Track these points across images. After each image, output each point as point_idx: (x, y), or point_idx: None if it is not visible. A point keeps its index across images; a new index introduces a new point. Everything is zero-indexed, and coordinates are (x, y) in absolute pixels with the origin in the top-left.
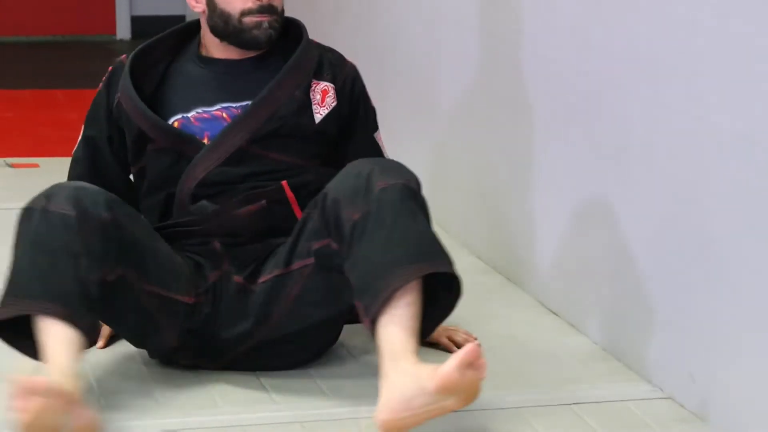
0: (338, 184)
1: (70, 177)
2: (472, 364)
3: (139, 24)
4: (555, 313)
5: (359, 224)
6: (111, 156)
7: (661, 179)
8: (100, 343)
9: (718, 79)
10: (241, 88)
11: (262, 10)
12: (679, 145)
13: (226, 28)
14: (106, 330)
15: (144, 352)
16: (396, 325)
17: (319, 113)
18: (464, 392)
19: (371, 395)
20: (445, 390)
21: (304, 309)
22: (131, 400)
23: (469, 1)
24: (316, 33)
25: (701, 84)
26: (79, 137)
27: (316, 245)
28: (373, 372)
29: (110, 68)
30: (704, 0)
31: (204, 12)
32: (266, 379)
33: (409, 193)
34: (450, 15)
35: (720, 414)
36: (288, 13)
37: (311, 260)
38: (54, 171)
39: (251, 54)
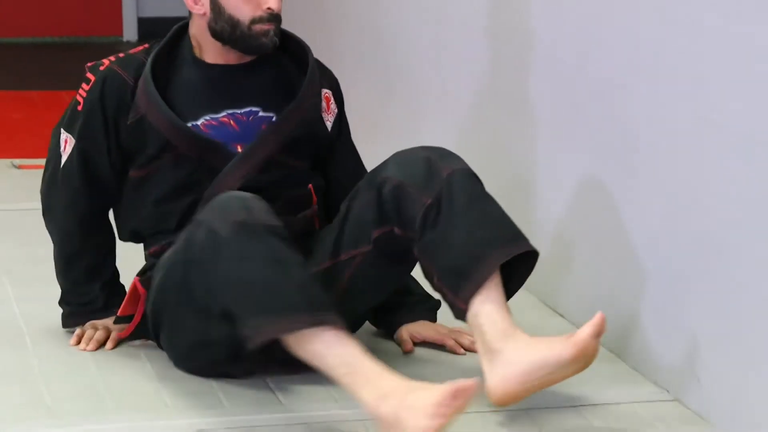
0: (398, 172)
1: (64, 191)
2: (600, 333)
3: (146, 25)
4: (561, 315)
5: (432, 208)
6: (108, 168)
7: (665, 180)
8: (110, 345)
9: (722, 79)
10: (241, 94)
11: (271, 18)
12: (683, 146)
13: (232, 33)
14: (115, 333)
15: (150, 351)
16: (495, 304)
17: (329, 120)
18: (589, 359)
19: None
20: (580, 358)
21: (353, 298)
22: (139, 402)
23: (473, 2)
24: (321, 35)
25: (705, 84)
26: (66, 147)
27: (376, 233)
28: None
29: (92, 76)
30: (708, 1)
31: (205, 14)
32: (272, 380)
33: (474, 177)
34: (455, 16)
35: (726, 416)
36: (292, 14)
37: (366, 248)
38: None
39: (246, 59)
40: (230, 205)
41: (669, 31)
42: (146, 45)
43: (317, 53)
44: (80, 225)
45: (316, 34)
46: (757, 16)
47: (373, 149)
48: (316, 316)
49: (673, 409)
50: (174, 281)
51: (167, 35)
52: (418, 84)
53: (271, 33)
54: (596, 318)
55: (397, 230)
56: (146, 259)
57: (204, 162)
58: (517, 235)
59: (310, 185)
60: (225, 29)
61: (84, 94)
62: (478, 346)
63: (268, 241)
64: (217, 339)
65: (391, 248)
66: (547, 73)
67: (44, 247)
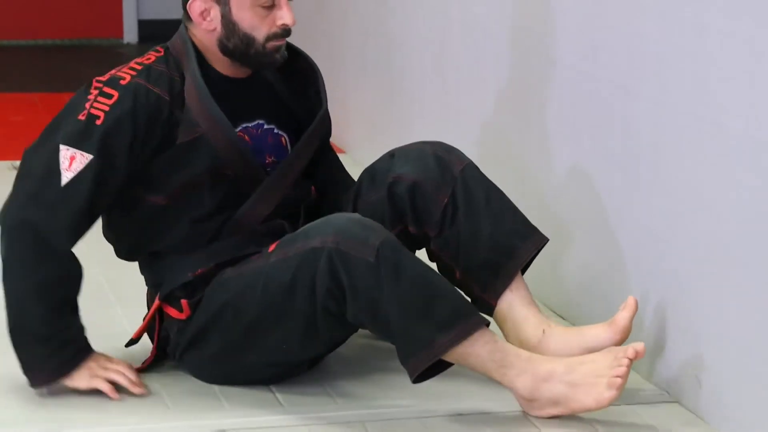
0: (411, 170)
1: (64, 212)
2: (634, 315)
3: (147, 28)
4: (561, 317)
5: (449, 206)
6: (115, 189)
7: (668, 182)
8: (140, 389)
9: (725, 80)
10: (249, 107)
11: (284, 34)
12: (685, 147)
13: (246, 51)
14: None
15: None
16: (524, 298)
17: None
18: (625, 340)
19: (378, 397)
20: (622, 341)
21: None
22: (139, 404)
23: (476, 6)
24: (323, 38)
25: (708, 85)
26: (72, 165)
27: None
28: (379, 375)
29: (113, 91)
30: (711, 2)
31: (215, 30)
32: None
33: (480, 171)
34: (458, 19)
35: (727, 418)
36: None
37: None
38: None
39: (248, 72)
40: (353, 228)
41: (672, 32)
42: (153, 54)
43: (320, 56)
44: (72, 249)
45: (319, 37)
46: (763, 18)
47: (375, 151)
48: (479, 317)
49: (674, 411)
50: (269, 304)
51: (180, 45)
52: (421, 86)
53: (283, 48)
54: (630, 302)
55: (411, 228)
56: (163, 278)
57: (240, 180)
58: (532, 226)
59: (312, 188)
60: (238, 47)
61: (105, 109)
62: (512, 340)
63: (409, 255)
64: (300, 358)
65: (408, 245)
66: (550, 75)
67: None
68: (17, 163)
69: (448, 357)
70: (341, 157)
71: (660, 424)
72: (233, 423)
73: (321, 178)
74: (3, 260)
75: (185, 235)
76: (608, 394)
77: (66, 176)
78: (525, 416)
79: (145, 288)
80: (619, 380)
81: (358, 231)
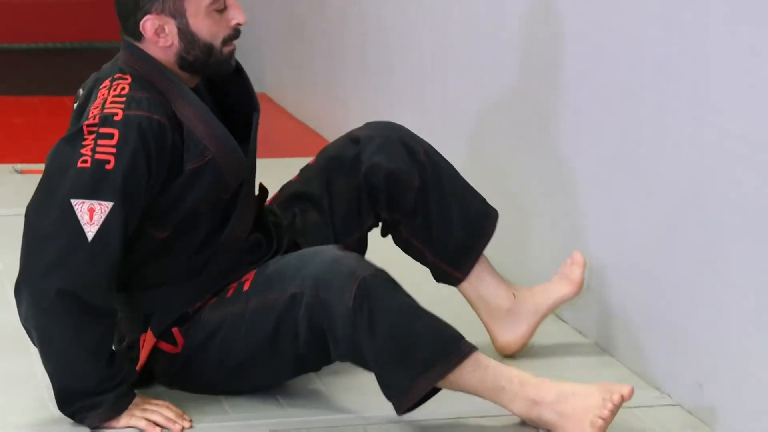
0: (384, 158)
1: (101, 267)
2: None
3: None
4: (563, 320)
5: (420, 191)
6: (133, 228)
7: (668, 184)
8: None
9: (726, 85)
10: None
11: (237, 35)
12: (685, 151)
13: (207, 59)
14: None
15: None
16: (489, 273)
17: None
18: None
19: (379, 402)
20: (580, 287)
21: None
22: None
23: (478, 9)
24: (323, 39)
25: (709, 90)
26: (93, 217)
27: (368, 221)
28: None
29: (113, 130)
30: (712, 6)
31: (172, 46)
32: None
33: (439, 154)
34: (459, 22)
35: (728, 422)
36: (294, 20)
37: (357, 236)
38: None
39: (195, 83)
40: (330, 273)
41: (673, 36)
42: (121, 83)
43: (320, 56)
44: (111, 297)
45: (319, 38)
46: (763, 21)
47: None
48: (462, 347)
49: (676, 415)
50: (255, 349)
51: (146, 66)
52: (422, 87)
53: (233, 51)
54: (578, 257)
55: (383, 214)
56: (153, 310)
57: (229, 200)
58: (489, 204)
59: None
60: (199, 57)
61: (112, 150)
62: (483, 310)
63: (389, 293)
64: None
65: (371, 230)
66: (551, 78)
67: None
68: (19, 166)
69: (438, 385)
70: None
71: (662, 427)
72: (234, 426)
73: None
74: (41, 332)
75: (182, 266)
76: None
77: (90, 231)
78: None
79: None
80: (601, 422)
81: (335, 276)
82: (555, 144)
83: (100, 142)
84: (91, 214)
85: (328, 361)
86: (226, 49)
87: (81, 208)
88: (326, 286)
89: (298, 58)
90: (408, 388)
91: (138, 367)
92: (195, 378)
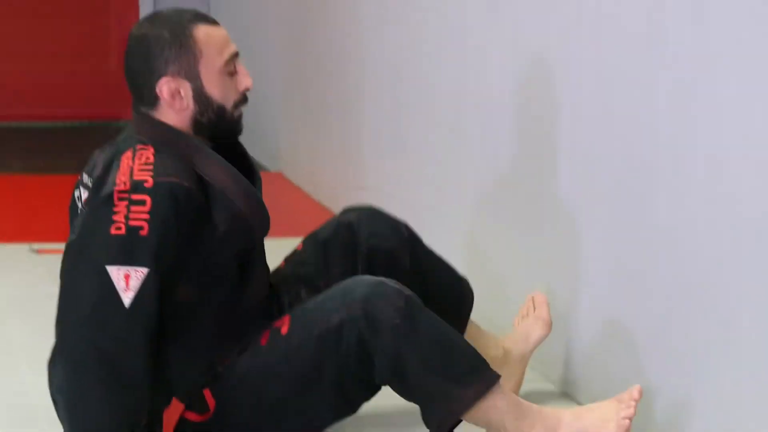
0: (378, 241)
1: (136, 333)
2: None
3: None
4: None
5: (411, 268)
6: (165, 293)
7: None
8: None
9: (740, 121)
10: None
11: (245, 99)
12: (698, 185)
13: (219, 122)
14: None
15: None
16: (481, 331)
17: None
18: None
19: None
20: (550, 326)
21: None
22: None
23: (493, 48)
24: (339, 116)
25: (723, 127)
26: (129, 283)
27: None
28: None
29: (145, 196)
30: (725, 85)
31: (187, 108)
32: None
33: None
34: (475, 60)
35: None
36: (311, 99)
37: None
38: None
39: None
40: (377, 292)
41: (689, 76)
42: (145, 152)
43: (335, 137)
44: (148, 366)
45: (334, 116)
46: None
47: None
48: (493, 371)
49: None
50: (296, 384)
51: (164, 134)
52: (439, 164)
53: (242, 116)
54: (540, 297)
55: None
56: (172, 373)
57: (247, 263)
58: (457, 274)
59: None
60: (212, 120)
61: (145, 217)
62: None
63: (429, 313)
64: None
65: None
66: (564, 125)
67: None
68: (36, 245)
69: (471, 413)
70: None
71: None
72: None
73: None
74: (72, 398)
75: (206, 326)
76: None
77: (127, 297)
78: None
79: None
80: (627, 422)
81: (383, 294)
82: (572, 179)
83: (133, 208)
84: (127, 281)
85: (368, 391)
86: (237, 112)
87: (117, 274)
88: (376, 304)
89: (313, 137)
90: (453, 398)
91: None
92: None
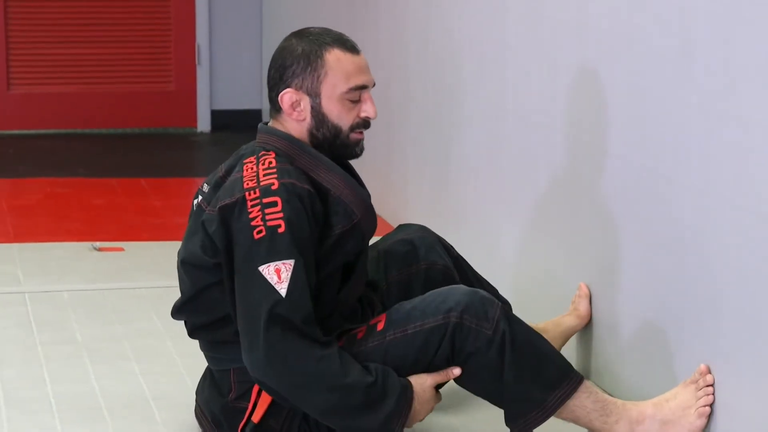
0: (436, 256)
1: (302, 309)
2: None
3: (219, 117)
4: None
5: (462, 279)
6: (313, 280)
7: (712, 267)
8: None
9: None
10: None
11: (366, 125)
12: (728, 234)
13: (334, 141)
14: None
15: None
16: None
17: None
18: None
19: None
20: (588, 319)
21: None
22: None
23: (530, 98)
24: (387, 126)
25: (748, 176)
26: (280, 277)
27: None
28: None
29: (276, 198)
30: (752, 101)
31: (305, 120)
32: None
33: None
34: (511, 110)
35: None
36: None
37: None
38: (137, 255)
39: None
40: (474, 302)
41: (715, 125)
42: (269, 158)
43: (380, 144)
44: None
45: (379, 128)
46: None
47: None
48: (578, 372)
49: None
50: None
51: (287, 144)
52: (476, 174)
53: (362, 141)
54: (584, 289)
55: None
56: None
57: (358, 259)
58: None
59: None
60: (327, 137)
61: (279, 215)
62: None
63: (520, 323)
64: None
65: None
66: (600, 164)
67: (123, 325)
68: (97, 244)
69: (557, 412)
70: None
71: None
72: None
73: None
74: (303, 381)
75: (318, 320)
76: (699, 423)
77: (282, 288)
78: None
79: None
80: (708, 409)
81: (478, 305)
82: (602, 230)
83: (267, 210)
84: (279, 274)
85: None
86: (354, 136)
87: (269, 271)
88: (471, 313)
89: None
90: (540, 402)
91: (257, 419)
92: (316, 425)
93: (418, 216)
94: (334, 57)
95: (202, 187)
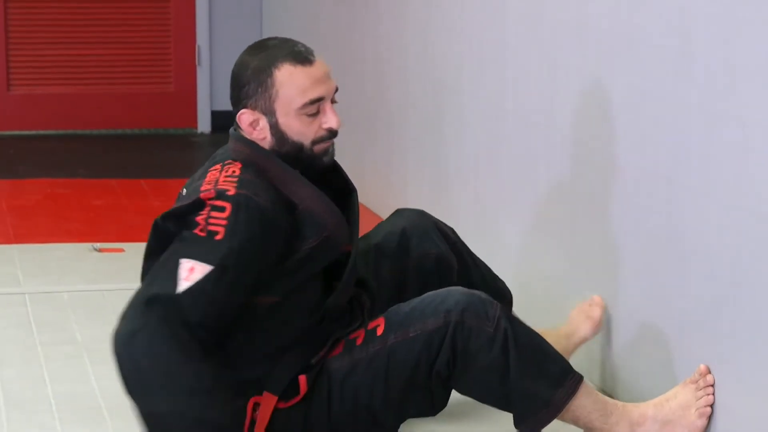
0: (430, 246)
1: (189, 313)
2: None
3: (219, 118)
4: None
5: (460, 269)
6: (242, 298)
7: (712, 268)
8: None
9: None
10: None
11: (331, 136)
12: (727, 234)
13: (298, 155)
14: None
15: None
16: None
17: None
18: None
19: None
20: (600, 326)
21: None
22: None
23: (529, 99)
24: (385, 128)
25: (748, 177)
26: (199, 270)
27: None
28: None
29: (225, 203)
30: (752, 102)
31: (266, 139)
32: None
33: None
34: (511, 112)
35: None
36: (359, 109)
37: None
38: (137, 256)
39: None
40: (474, 302)
41: (715, 125)
42: (234, 167)
43: (380, 146)
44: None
45: (379, 126)
46: None
47: None
48: (577, 372)
49: None
50: (394, 383)
51: (255, 154)
52: (476, 178)
53: (330, 149)
54: (598, 299)
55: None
56: (269, 372)
57: (334, 270)
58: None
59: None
60: (290, 152)
61: (223, 222)
62: None
63: (520, 323)
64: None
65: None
66: (599, 167)
67: None
68: (98, 244)
69: (562, 413)
70: None
71: None
72: None
73: None
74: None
75: (299, 329)
76: (700, 423)
77: (183, 285)
78: None
79: None
80: (709, 410)
81: (478, 304)
82: (602, 231)
83: (213, 213)
84: (191, 272)
85: (447, 396)
86: (317, 148)
87: (185, 266)
88: (471, 313)
89: (359, 145)
90: (548, 400)
91: None
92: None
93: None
94: (285, 73)
95: (181, 191)
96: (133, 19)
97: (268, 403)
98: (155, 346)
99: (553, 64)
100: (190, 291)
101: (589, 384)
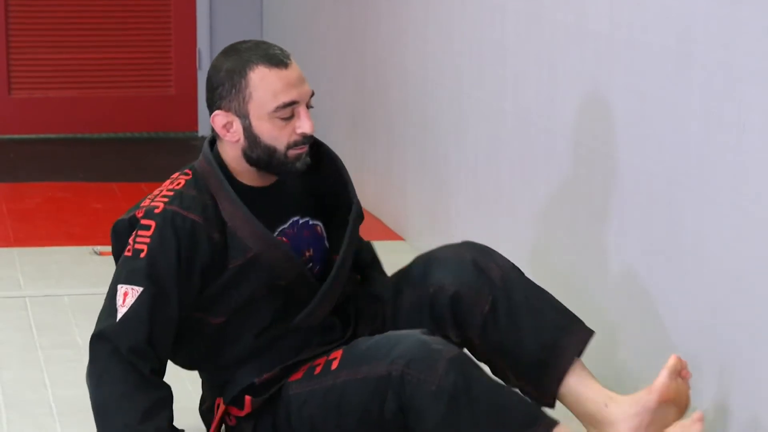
0: (452, 280)
1: (130, 337)
2: (679, 373)
3: None
4: None
5: (490, 313)
6: (172, 317)
7: (711, 270)
8: None
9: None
10: (281, 209)
11: (305, 141)
12: (728, 237)
13: (270, 160)
14: None
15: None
16: (584, 379)
17: None
18: (679, 400)
19: None
20: (668, 401)
21: None
22: None
23: (529, 100)
24: (384, 129)
25: (748, 179)
26: (125, 300)
27: None
28: None
29: (150, 222)
30: (751, 104)
31: (238, 141)
32: None
33: (518, 270)
34: (511, 112)
35: None
36: (358, 111)
37: None
38: None
39: (275, 178)
40: (420, 353)
41: (715, 131)
42: (182, 178)
43: (380, 147)
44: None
45: (379, 129)
46: None
47: (432, 239)
48: (549, 419)
49: None
50: (345, 421)
51: (205, 166)
52: (475, 179)
53: (304, 156)
54: (671, 359)
55: (452, 336)
56: (226, 383)
57: (294, 288)
58: (574, 317)
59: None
60: (262, 158)
61: (147, 241)
62: (581, 419)
63: (474, 375)
64: None
65: None
66: (599, 169)
67: None
68: (98, 248)
69: None
70: (400, 243)
71: None
72: None
73: (360, 265)
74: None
75: (248, 347)
76: (695, 428)
77: (120, 312)
78: None
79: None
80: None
81: (425, 356)
82: (601, 232)
83: (139, 232)
84: (125, 298)
85: None
86: (291, 153)
87: (120, 291)
88: (418, 366)
89: (360, 148)
90: None
91: (211, 431)
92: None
93: (417, 217)
94: (259, 75)
95: None
96: (134, 22)
97: (222, 407)
98: (103, 384)
99: (553, 64)
100: (126, 318)
101: (566, 428)
